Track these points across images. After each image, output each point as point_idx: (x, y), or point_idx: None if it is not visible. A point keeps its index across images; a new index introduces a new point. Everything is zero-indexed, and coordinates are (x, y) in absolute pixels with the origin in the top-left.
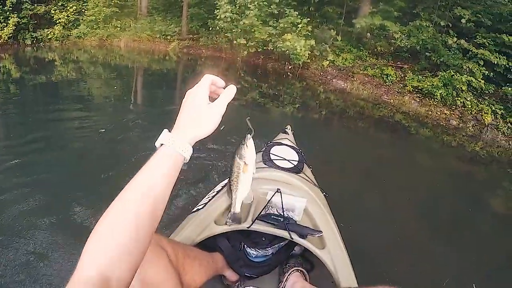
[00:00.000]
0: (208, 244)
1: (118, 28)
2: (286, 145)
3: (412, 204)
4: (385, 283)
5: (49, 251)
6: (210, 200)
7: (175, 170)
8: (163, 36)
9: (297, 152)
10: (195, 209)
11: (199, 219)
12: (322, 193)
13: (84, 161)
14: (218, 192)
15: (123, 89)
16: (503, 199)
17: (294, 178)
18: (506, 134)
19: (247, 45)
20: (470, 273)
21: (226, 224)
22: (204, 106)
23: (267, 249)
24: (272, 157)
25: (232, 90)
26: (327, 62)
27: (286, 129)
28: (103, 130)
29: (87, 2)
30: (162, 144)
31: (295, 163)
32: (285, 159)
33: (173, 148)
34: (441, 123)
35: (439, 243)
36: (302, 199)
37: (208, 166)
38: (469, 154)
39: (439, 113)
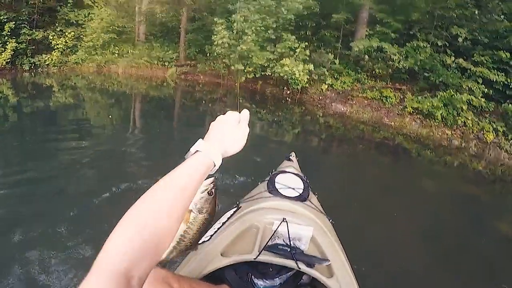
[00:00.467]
0: (215, 277)
1: (116, 55)
2: (291, 172)
3: (416, 230)
4: None
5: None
6: (216, 231)
7: (204, 176)
8: (161, 62)
9: (302, 180)
10: (201, 241)
11: (205, 251)
12: (329, 220)
13: (76, 193)
14: (223, 223)
15: (121, 117)
16: (508, 220)
17: (300, 206)
18: (509, 151)
19: (245, 70)
20: None
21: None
22: (236, 127)
23: (274, 279)
24: (277, 186)
25: (247, 113)
26: (326, 86)
27: (290, 156)
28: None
29: (85, 28)
30: (196, 151)
31: (301, 191)
32: (290, 187)
33: (208, 155)
34: (443, 144)
35: (445, 270)
36: (308, 228)
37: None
38: (473, 174)
39: (440, 133)
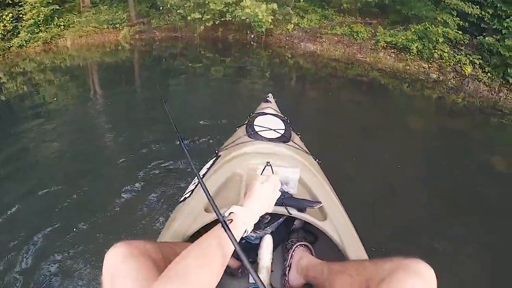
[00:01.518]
0: (202, 235)
1: (62, 27)
2: (270, 114)
3: (403, 165)
4: (400, 254)
5: None
6: (196, 186)
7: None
8: (111, 26)
9: (282, 120)
10: (182, 198)
11: (187, 209)
12: (315, 159)
13: (49, 179)
14: (203, 175)
15: (80, 92)
16: (491, 150)
17: (283, 147)
18: (486, 83)
19: (203, 19)
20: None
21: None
22: (271, 196)
23: (266, 229)
24: (257, 128)
25: (276, 176)
26: (292, 26)
27: (267, 98)
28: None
29: (23, 6)
30: (231, 213)
31: (282, 131)
32: (271, 129)
33: (244, 224)
34: (421, 77)
35: (437, 207)
36: (295, 170)
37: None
38: (453, 107)
39: (417, 67)
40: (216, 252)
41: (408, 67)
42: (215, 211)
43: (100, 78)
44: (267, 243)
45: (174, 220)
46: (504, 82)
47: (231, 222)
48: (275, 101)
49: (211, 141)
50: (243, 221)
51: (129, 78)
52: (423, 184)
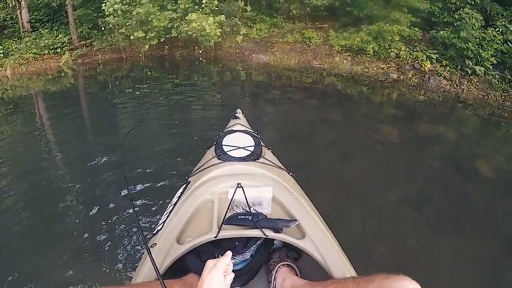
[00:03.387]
0: (179, 268)
1: (1, 55)
2: (239, 131)
3: (379, 171)
4: (388, 271)
5: None
6: (168, 216)
7: None
8: (52, 51)
9: (252, 136)
10: (155, 231)
11: (160, 242)
12: (289, 173)
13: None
14: (174, 205)
15: (25, 124)
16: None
17: (254, 166)
18: (447, 78)
19: (147, 37)
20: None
21: None
22: (223, 283)
23: (244, 253)
24: (225, 148)
25: (226, 258)
26: (241, 37)
27: (236, 114)
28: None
29: None
30: None
31: (252, 148)
32: (240, 147)
33: None
34: (380, 78)
35: (417, 208)
36: (267, 188)
37: (164, 185)
38: (415, 105)
39: (375, 68)
40: None
41: (367, 69)
42: None
43: (45, 108)
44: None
45: (147, 259)
46: (463, 74)
47: None
48: (244, 116)
49: (180, 169)
50: None
51: (75, 107)
52: (396, 181)
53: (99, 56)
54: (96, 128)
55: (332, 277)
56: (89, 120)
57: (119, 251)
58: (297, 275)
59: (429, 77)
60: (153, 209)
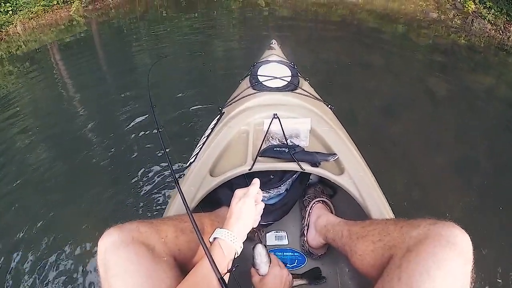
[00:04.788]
0: (211, 200)
1: (10, 13)
2: (274, 61)
3: (419, 111)
4: (434, 216)
5: None
6: (201, 148)
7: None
8: (61, 0)
9: (288, 67)
10: (187, 164)
11: (192, 174)
12: (328, 106)
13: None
14: (207, 136)
15: (44, 77)
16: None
17: (291, 96)
18: (491, 22)
19: None
20: None
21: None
22: (252, 206)
23: (279, 187)
24: (261, 78)
25: (255, 189)
26: None
27: (271, 44)
28: None
29: None
30: (215, 239)
31: (289, 79)
32: (276, 77)
33: (233, 246)
34: (418, 17)
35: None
36: (305, 120)
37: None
38: (459, 49)
39: (413, 5)
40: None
41: (404, 6)
42: (200, 241)
43: (61, 59)
44: (259, 253)
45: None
46: (508, 19)
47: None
48: (279, 47)
49: (213, 100)
50: (230, 245)
51: (90, 53)
52: (440, 147)
53: (110, 0)
54: (115, 69)
55: (370, 217)
56: (107, 63)
57: (149, 186)
58: (331, 213)
59: (473, 19)
60: (185, 139)
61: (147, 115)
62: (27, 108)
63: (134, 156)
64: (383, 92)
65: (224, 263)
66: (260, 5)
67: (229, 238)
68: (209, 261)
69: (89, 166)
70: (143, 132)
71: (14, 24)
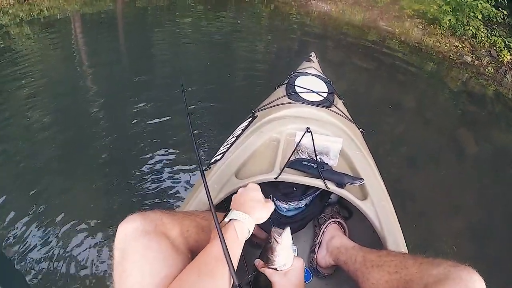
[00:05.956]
0: (229, 201)
1: None
2: (313, 74)
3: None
4: (451, 258)
5: None
6: (228, 148)
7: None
8: None
9: (325, 83)
10: (212, 160)
11: (217, 173)
12: (358, 128)
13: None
14: (237, 137)
15: (62, 47)
16: None
17: (325, 113)
18: None
19: None
20: None
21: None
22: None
23: (300, 201)
24: (298, 89)
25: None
26: None
27: (310, 56)
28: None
29: None
30: (231, 220)
31: (325, 94)
32: (313, 91)
33: (245, 225)
34: (451, 57)
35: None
36: (337, 139)
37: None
38: (491, 101)
39: (448, 44)
40: (219, 264)
41: (439, 43)
42: (214, 219)
43: (82, 31)
44: (287, 236)
45: (201, 186)
46: None
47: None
48: (318, 61)
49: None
50: (246, 225)
51: (112, 31)
52: (459, 210)
53: None
54: (134, 51)
55: (385, 247)
56: (127, 44)
57: (170, 174)
58: (345, 235)
59: (506, 70)
60: (213, 133)
61: (167, 101)
62: (43, 73)
63: (158, 137)
64: (410, 139)
65: (237, 245)
66: (291, 14)
67: (245, 220)
68: (222, 245)
69: (108, 142)
70: (169, 115)
71: None
